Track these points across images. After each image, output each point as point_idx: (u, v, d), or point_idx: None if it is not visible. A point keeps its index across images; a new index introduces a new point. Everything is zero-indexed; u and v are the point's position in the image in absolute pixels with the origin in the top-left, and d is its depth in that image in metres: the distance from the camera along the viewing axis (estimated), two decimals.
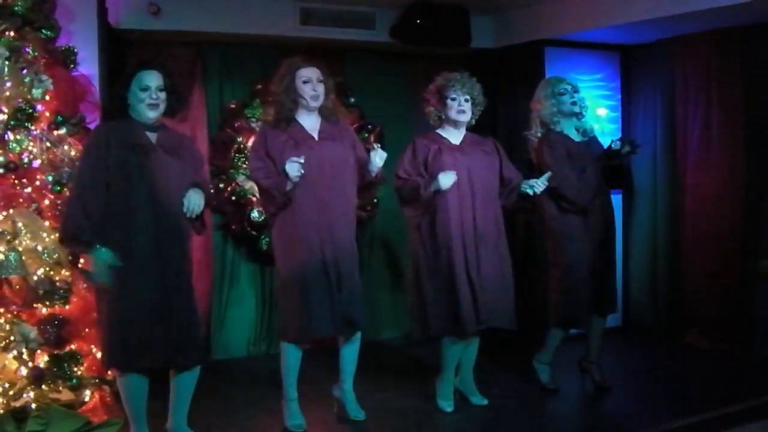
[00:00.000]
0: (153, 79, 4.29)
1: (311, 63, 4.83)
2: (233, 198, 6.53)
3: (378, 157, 4.78)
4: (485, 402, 5.26)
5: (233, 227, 6.68)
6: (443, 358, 5.18)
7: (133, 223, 4.19)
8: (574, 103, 5.44)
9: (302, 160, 4.53)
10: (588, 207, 5.38)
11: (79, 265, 4.91)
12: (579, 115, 5.53)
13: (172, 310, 4.25)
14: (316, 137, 4.82)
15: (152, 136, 4.33)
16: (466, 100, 5.08)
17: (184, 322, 4.30)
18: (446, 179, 4.88)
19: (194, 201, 4.31)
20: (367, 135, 6.97)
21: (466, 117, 5.10)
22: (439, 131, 5.18)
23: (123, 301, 4.18)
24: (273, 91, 4.85)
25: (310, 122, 4.85)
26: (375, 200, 6.92)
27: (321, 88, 4.80)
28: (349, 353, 4.97)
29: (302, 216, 4.71)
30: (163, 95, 4.31)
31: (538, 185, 5.02)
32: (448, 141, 5.12)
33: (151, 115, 4.29)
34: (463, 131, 5.18)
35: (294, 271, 4.72)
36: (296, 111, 4.80)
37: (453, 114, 5.07)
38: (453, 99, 5.07)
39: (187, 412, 4.50)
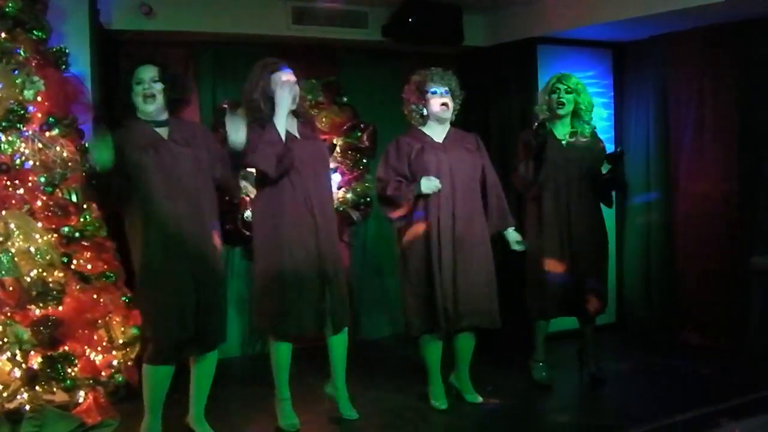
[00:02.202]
0: (146, 71, 4.40)
1: (285, 66, 4.83)
2: (226, 198, 6.51)
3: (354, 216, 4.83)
4: (479, 400, 5.26)
5: (227, 227, 6.66)
6: (424, 359, 5.20)
7: (156, 219, 4.30)
8: (560, 104, 5.45)
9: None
10: (564, 209, 5.45)
11: (72, 266, 4.90)
12: (575, 117, 5.52)
13: (204, 300, 4.41)
14: (298, 136, 4.83)
15: (163, 131, 4.42)
16: (447, 92, 5.08)
17: (215, 309, 4.49)
18: (427, 185, 4.89)
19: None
20: (359, 134, 6.96)
21: (449, 113, 5.11)
22: (422, 128, 5.17)
23: (156, 295, 4.32)
24: (246, 96, 4.82)
25: (287, 123, 4.82)
26: (368, 199, 6.91)
27: (296, 90, 4.79)
28: (337, 349, 4.97)
29: (285, 215, 4.73)
30: (158, 86, 4.38)
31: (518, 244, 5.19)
32: (431, 138, 5.11)
33: (149, 107, 4.37)
34: (447, 127, 5.18)
35: (275, 270, 4.72)
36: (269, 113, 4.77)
37: (436, 108, 5.07)
38: (433, 92, 5.07)
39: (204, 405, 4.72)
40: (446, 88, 5.08)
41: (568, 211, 5.46)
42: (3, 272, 4.62)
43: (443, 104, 5.07)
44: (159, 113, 4.41)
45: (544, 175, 5.36)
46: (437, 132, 5.14)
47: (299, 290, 4.70)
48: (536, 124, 5.56)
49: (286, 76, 4.77)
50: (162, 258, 4.32)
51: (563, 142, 5.50)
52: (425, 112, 5.11)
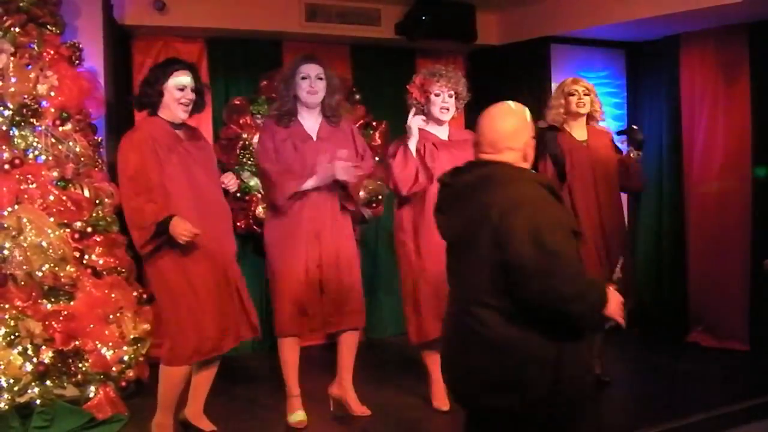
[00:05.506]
0: (188, 78, 4.39)
1: (312, 60, 4.82)
2: (238, 195, 6.52)
3: (339, 169, 4.74)
4: None
5: (238, 224, 6.67)
6: (425, 362, 5.14)
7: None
8: (580, 104, 5.46)
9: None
10: (595, 210, 5.43)
11: (84, 261, 4.92)
12: (590, 118, 5.56)
13: (239, 295, 4.49)
14: (314, 138, 4.82)
15: (180, 133, 4.43)
16: (450, 96, 4.97)
17: (248, 302, 4.55)
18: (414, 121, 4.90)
19: (233, 178, 4.57)
20: (371, 132, 6.97)
21: (449, 115, 5.00)
22: (425, 128, 5.09)
23: (187, 297, 4.29)
24: (275, 87, 4.88)
25: (310, 122, 4.84)
26: (380, 197, 6.91)
27: (320, 86, 4.78)
28: (344, 347, 4.97)
29: (296, 218, 4.74)
30: (193, 96, 4.41)
31: None
32: (437, 137, 5.06)
33: (183, 115, 4.39)
34: (446, 126, 5.09)
35: (285, 270, 4.75)
36: (297, 108, 4.80)
37: (436, 111, 4.96)
38: (437, 95, 4.95)
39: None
40: (451, 92, 4.98)
41: (600, 212, 5.46)
42: (15, 266, 4.65)
43: (443, 108, 4.98)
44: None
45: (569, 174, 5.37)
46: (440, 131, 5.05)
47: (303, 293, 4.74)
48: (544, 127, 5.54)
49: (309, 70, 4.77)
50: (192, 258, 4.29)
51: (584, 144, 5.50)
52: (426, 110, 5.05)
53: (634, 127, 5.70)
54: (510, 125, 3.01)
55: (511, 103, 3.11)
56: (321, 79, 4.78)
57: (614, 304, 2.93)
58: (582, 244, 5.26)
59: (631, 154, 5.56)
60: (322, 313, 4.81)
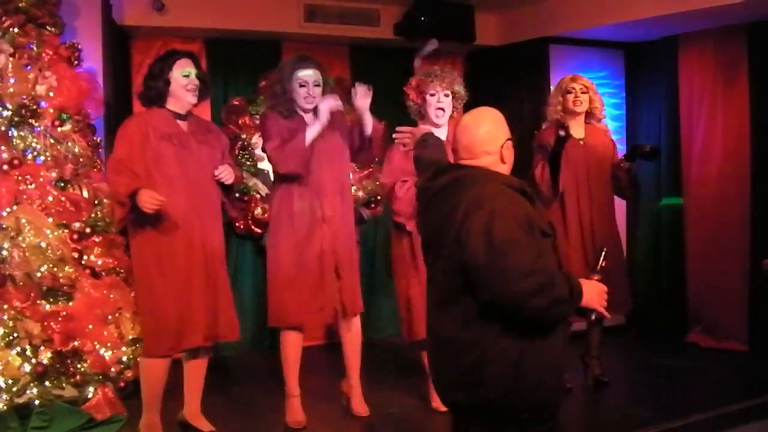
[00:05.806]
0: (192, 66, 4.47)
1: (310, 65, 4.81)
2: (237, 195, 6.51)
3: (359, 96, 4.74)
4: None
5: (238, 224, 6.68)
6: (425, 365, 5.11)
7: (172, 210, 4.31)
8: (577, 103, 5.46)
9: None
10: (587, 209, 5.44)
11: (83, 262, 4.91)
12: (590, 115, 5.55)
13: (215, 294, 4.48)
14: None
15: (183, 125, 4.47)
16: (446, 95, 4.97)
17: (225, 303, 4.54)
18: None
19: (227, 170, 4.51)
20: None
21: (445, 117, 5.00)
22: (422, 126, 5.09)
23: (163, 288, 4.35)
24: (269, 87, 4.93)
25: (307, 117, 4.85)
26: (379, 198, 6.91)
27: (317, 92, 4.79)
28: (350, 345, 4.98)
29: (299, 207, 4.74)
30: (198, 81, 4.47)
31: None
32: None
33: (193, 99, 4.47)
34: (445, 127, 5.08)
35: (287, 259, 4.74)
36: (294, 107, 4.80)
37: (432, 112, 4.97)
38: (432, 95, 4.96)
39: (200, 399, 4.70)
40: (446, 92, 4.98)
41: (591, 211, 5.46)
42: (14, 267, 4.64)
43: (439, 109, 4.98)
44: (190, 107, 4.51)
45: (563, 179, 5.35)
46: (438, 132, 5.03)
47: (307, 282, 4.72)
48: (557, 127, 5.52)
49: (307, 77, 4.77)
50: (174, 247, 4.35)
51: (581, 142, 5.49)
52: (422, 111, 5.06)
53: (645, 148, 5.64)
54: (484, 130, 3.02)
55: (485, 108, 3.13)
56: (318, 85, 4.80)
57: (593, 294, 2.92)
58: (567, 243, 5.36)
59: (621, 164, 5.55)
60: (334, 300, 4.80)
